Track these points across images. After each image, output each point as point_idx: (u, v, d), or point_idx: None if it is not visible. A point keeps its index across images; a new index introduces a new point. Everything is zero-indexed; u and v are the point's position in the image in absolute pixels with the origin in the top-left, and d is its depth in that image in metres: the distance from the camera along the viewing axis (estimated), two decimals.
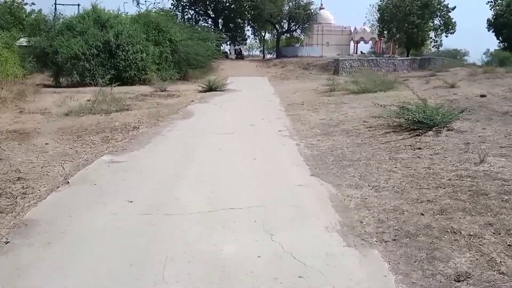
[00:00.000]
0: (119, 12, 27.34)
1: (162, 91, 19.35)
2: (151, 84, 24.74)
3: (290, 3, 41.42)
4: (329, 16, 55.44)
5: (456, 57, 69.69)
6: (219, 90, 19.20)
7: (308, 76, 31.34)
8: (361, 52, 61.17)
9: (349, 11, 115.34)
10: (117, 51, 24.42)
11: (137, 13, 28.18)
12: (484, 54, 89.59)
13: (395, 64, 38.55)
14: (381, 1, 48.31)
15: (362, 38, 56.17)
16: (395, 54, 53.51)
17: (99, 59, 24.29)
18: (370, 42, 61.01)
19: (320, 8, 42.67)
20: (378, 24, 46.91)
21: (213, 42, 35.08)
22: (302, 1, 41.39)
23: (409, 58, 41.89)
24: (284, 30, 44.01)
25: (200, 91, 19.11)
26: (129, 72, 24.63)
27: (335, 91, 16.24)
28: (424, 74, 25.87)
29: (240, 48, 50.94)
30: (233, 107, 12.59)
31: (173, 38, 27.41)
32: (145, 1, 34.99)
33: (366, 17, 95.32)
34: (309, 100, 13.57)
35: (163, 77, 26.31)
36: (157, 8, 29.69)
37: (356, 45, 58.45)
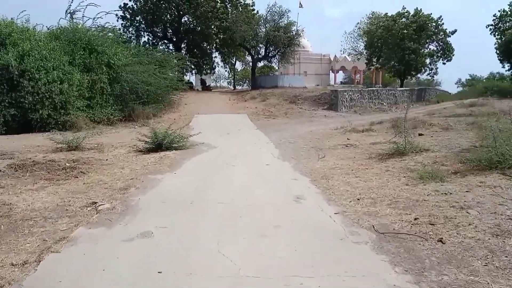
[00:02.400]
0: (28, 25, 18.11)
1: (71, 150, 10.21)
2: (75, 129, 15.82)
3: (268, 25, 33.43)
4: (306, 43, 48.20)
5: (428, 86, 64.32)
6: (176, 148, 10.23)
7: (300, 112, 22.95)
8: (341, 82, 54.22)
9: (320, 39, 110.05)
10: (21, 80, 15.19)
11: (59, 26, 18.99)
12: (455, 83, 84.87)
13: (395, 96, 31.05)
14: (371, 24, 41.58)
15: (343, 67, 49.14)
16: (378, 84, 46.75)
17: None
18: (341, 71, 54.25)
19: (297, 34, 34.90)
20: (366, 51, 39.97)
21: (174, 68, 26.32)
22: (281, 21, 33.53)
23: (407, 88, 34.66)
24: (260, 56, 35.89)
25: (140, 151, 10.11)
26: (40, 112, 15.39)
27: (409, 154, 7.70)
28: (466, 111, 17.85)
29: (202, 79, 41.91)
30: None
31: (112, 61, 18.41)
32: (83, 16, 23.17)
33: (341, 45, 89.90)
34: (401, 198, 4.87)
35: (95, 118, 17.24)
36: (97, 25, 20.72)
37: (335, 74, 51.40)
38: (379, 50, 37.19)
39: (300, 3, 44.92)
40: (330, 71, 50.37)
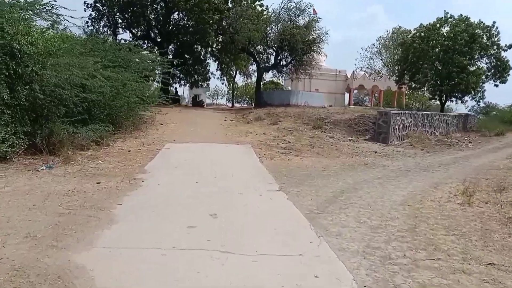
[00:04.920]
0: None
1: None
2: None
3: (280, 25, 25.04)
4: (318, 56, 40.11)
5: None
6: None
7: (333, 144, 14.42)
8: (359, 104, 46.07)
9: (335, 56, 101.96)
10: None
11: None
12: (468, 111, 76.92)
13: (447, 123, 22.84)
14: (391, 39, 33.72)
15: (361, 86, 40.99)
16: (403, 104, 38.64)
17: None
18: (356, 91, 46.18)
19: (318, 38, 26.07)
20: (398, 67, 31.86)
21: (151, 69, 18.00)
22: (300, 19, 25.17)
23: (456, 114, 26.54)
24: (268, 64, 27.48)
25: None
26: None
27: None
28: None
29: (177, 92, 32.86)
30: None
31: (17, 46, 9.89)
32: None
33: (355, 63, 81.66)
34: None
35: None
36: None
37: (350, 94, 43.18)
38: (414, 65, 29.05)
39: (313, 9, 37.00)
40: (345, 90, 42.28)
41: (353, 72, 40.25)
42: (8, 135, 9.31)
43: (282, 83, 42.05)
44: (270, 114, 20.26)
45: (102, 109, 13.31)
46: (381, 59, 49.66)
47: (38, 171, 8.55)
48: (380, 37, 46.11)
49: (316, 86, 39.18)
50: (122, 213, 5.15)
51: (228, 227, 4.68)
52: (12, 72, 9.71)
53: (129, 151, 11.31)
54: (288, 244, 4.19)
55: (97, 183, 7.26)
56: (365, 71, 45.89)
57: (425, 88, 29.26)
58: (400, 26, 44.76)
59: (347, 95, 42.95)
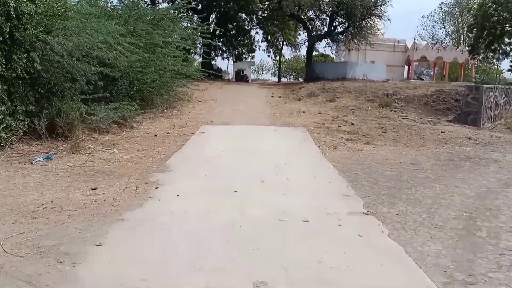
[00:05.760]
0: None
1: None
2: None
3: None
4: (380, 21, 35.81)
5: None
6: None
7: (410, 127, 11.36)
8: (419, 78, 41.52)
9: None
10: None
11: None
12: None
13: None
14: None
15: (423, 57, 36.38)
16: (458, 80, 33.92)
17: None
18: (415, 63, 41.24)
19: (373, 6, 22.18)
20: (470, 34, 27.46)
21: (191, 40, 15.64)
22: None
23: None
24: (321, 32, 24.17)
25: None
26: None
27: None
28: None
29: (215, 65, 28.93)
30: None
31: (12, 4, 7.72)
32: None
33: (417, 31, 76.32)
34: None
35: None
36: None
37: (409, 66, 38.69)
38: (491, 33, 24.54)
39: None
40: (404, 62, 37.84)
41: (414, 41, 35.67)
42: (3, 116, 7.33)
43: (334, 55, 38.29)
44: (325, 89, 17.34)
45: (130, 85, 11.22)
46: (444, 28, 44.37)
47: (31, 163, 6.50)
48: (441, 3, 40.95)
49: (371, 58, 35.13)
50: (88, 276, 2.75)
51: None
52: (7, 37, 7.62)
53: (155, 135, 9.06)
54: None
55: (92, 189, 4.99)
56: (426, 41, 41.15)
57: (509, 59, 24.80)
58: None
59: (405, 68, 38.53)
